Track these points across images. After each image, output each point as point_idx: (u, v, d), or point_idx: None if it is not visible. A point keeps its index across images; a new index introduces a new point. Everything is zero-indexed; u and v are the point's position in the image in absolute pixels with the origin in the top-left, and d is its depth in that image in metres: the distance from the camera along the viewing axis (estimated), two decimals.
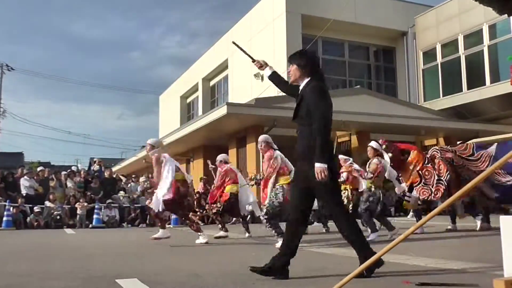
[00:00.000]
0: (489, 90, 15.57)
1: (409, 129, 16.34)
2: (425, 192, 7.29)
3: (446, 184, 7.10)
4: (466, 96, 16.49)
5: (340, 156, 8.34)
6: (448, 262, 4.02)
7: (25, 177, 13.08)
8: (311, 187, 3.41)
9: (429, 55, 18.24)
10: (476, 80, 16.31)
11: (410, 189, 7.53)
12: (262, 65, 3.91)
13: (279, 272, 3.31)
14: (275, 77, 3.89)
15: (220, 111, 13.83)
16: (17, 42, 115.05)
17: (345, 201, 7.95)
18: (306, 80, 3.51)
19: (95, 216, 12.49)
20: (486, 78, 15.83)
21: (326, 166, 3.25)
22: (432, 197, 7.26)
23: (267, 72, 3.90)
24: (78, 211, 12.54)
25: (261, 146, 6.26)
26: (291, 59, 3.62)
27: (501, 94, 14.91)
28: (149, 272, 3.88)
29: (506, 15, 3.19)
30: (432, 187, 7.20)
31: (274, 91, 17.33)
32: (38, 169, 14.79)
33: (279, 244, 5.81)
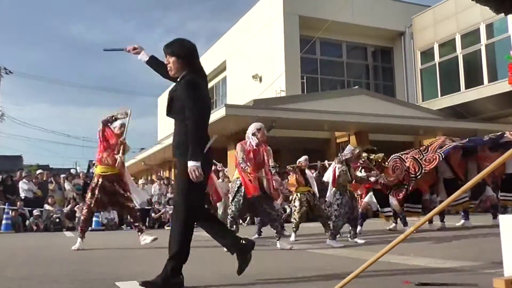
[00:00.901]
0: (487, 89, 15.59)
1: (408, 129, 16.36)
2: (399, 193, 7.82)
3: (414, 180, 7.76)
4: (464, 95, 16.52)
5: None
6: (448, 262, 4.02)
7: (24, 180, 13.05)
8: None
9: (427, 54, 18.27)
10: (474, 80, 16.34)
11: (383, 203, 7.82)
12: (136, 48, 3.65)
13: (243, 260, 3.32)
14: (153, 62, 3.61)
15: (219, 112, 13.82)
16: (15, 44, 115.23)
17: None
18: (184, 72, 3.30)
19: (94, 218, 12.41)
20: (484, 77, 15.86)
21: (199, 164, 3.11)
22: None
23: (143, 57, 3.63)
24: (77, 214, 12.52)
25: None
26: (169, 49, 3.33)
27: (499, 93, 14.93)
28: (149, 274, 3.87)
29: (503, 14, 3.20)
30: (407, 184, 7.67)
31: (272, 92, 17.37)
32: (37, 172, 14.77)
33: (280, 244, 5.84)
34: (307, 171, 7.66)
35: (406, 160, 7.86)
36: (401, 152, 8.26)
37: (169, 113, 3.33)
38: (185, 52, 3.29)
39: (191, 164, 3.10)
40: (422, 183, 7.94)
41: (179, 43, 3.34)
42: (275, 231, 5.92)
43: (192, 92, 3.18)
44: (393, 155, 8.17)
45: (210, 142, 3.29)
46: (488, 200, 8.34)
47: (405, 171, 7.76)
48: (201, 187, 3.31)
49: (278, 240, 5.89)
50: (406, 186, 7.70)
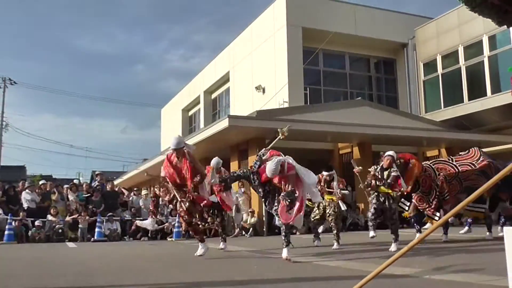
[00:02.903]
0: (490, 101, 15.59)
1: (411, 140, 16.33)
2: (422, 200, 7.53)
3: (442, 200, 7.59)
4: (467, 107, 16.51)
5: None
6: (453, 274, 4.00)
7: (27, 190, 13.06)
8: None
9: (430, 66, 18.30)
10: (477, 91, 16.34)
11: (407, 197, 7.76)
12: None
13: None
14: None
15: (222, 123, 13.86)
16: (21, 57, 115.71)
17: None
18: None
19: (97, 229, 12.45)
20: (487, 89, 15.86)
21: None
22: (427, 209, 7.60)
23: None
24: (80, 225, 12.51)
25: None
26: None
27: (502, 105, 14.92)
28: (152, 285, 3.86)
29: (505, 26, 3.22)
30: (432, 200, 7.45)
31: (275, 103, 17.41)
32: (40, 182, 14.78)
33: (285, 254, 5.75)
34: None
35: (437, 174, 7.67)
36: (433, 161, 8.19)
37: None
38: None
39: None
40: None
41: None
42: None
43: None
44: (425, 163, 8.04)
45: None
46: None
47: (436, 184, 7.58)
48: None
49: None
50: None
